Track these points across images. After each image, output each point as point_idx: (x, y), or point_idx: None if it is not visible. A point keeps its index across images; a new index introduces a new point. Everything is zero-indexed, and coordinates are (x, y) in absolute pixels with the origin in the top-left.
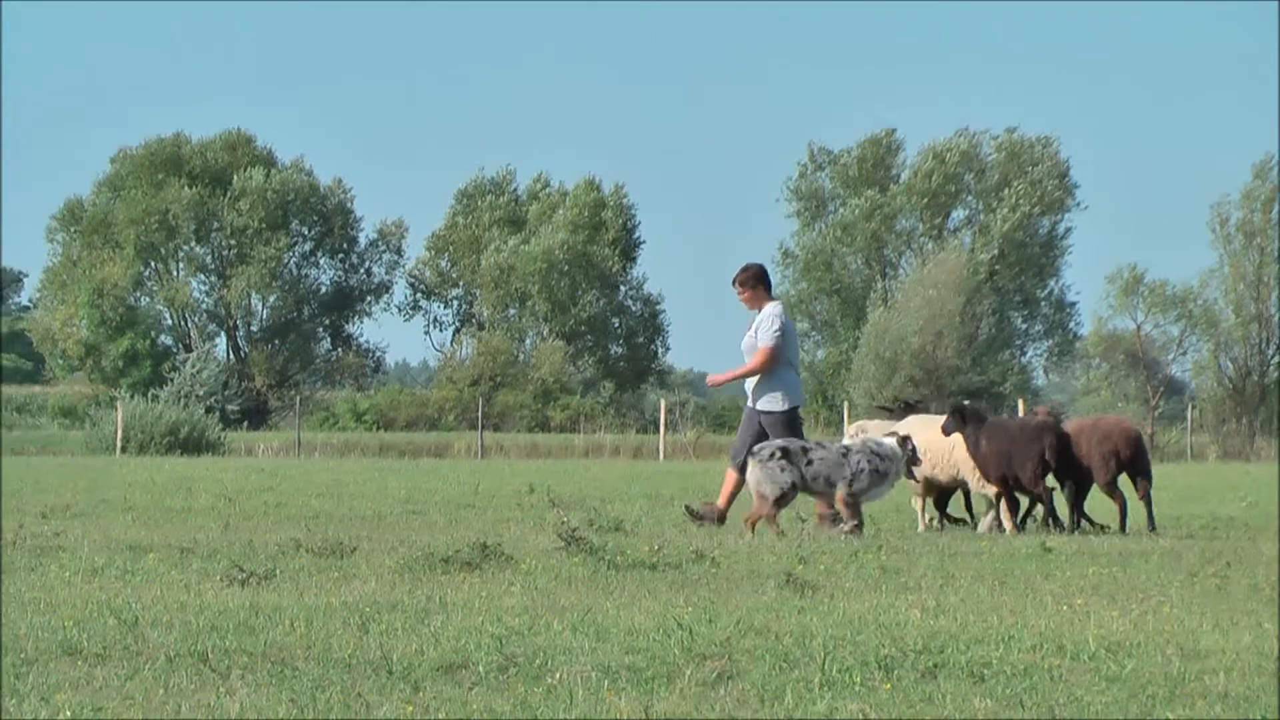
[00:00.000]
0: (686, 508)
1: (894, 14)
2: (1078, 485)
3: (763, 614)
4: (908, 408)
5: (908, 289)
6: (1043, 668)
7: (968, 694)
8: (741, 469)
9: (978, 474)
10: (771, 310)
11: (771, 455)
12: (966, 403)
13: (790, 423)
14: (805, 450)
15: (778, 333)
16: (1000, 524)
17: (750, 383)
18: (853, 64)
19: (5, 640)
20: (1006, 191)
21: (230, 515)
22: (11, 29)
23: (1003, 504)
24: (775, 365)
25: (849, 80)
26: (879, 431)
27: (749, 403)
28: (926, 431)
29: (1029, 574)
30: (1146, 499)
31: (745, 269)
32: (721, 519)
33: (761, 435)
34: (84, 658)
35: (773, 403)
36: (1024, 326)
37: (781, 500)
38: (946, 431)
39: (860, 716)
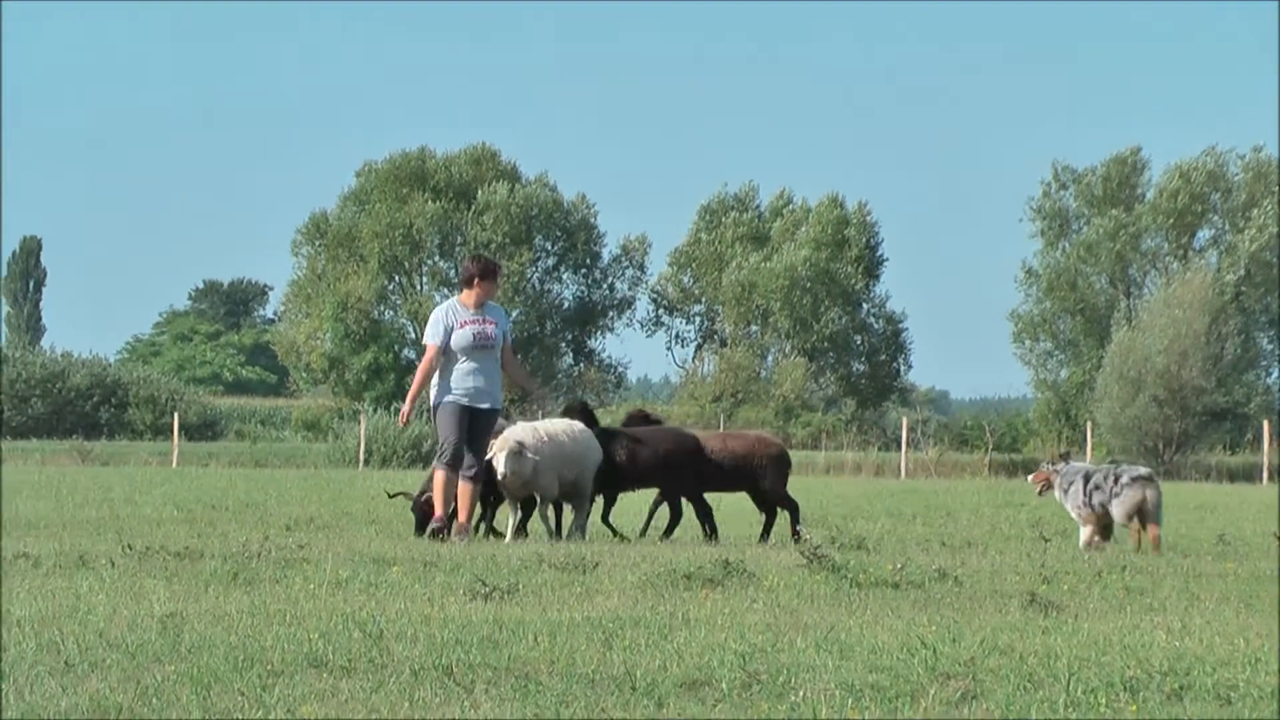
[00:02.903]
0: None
1: (1138, 33)
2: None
3: (1007, 634)
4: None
5: (1152, 309)
6: None
7: (1214, 717)
8: (476, 475)
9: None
10: (503, 311)
11: None
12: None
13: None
14: None
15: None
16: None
17: (473, 380)
18: (1097, 82)
19: (250, 651)
20: (1254, 211)
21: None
22: (261, 45)
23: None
24: None
25: (1093, 98)
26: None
27: (472, 400)
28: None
29: (1274, 596)
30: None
31: (496, 264)
32: (465, 527)
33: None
34: (329, 670)
35: (498, 402)
36: (1270, 347)
37: None
38: None
39: None
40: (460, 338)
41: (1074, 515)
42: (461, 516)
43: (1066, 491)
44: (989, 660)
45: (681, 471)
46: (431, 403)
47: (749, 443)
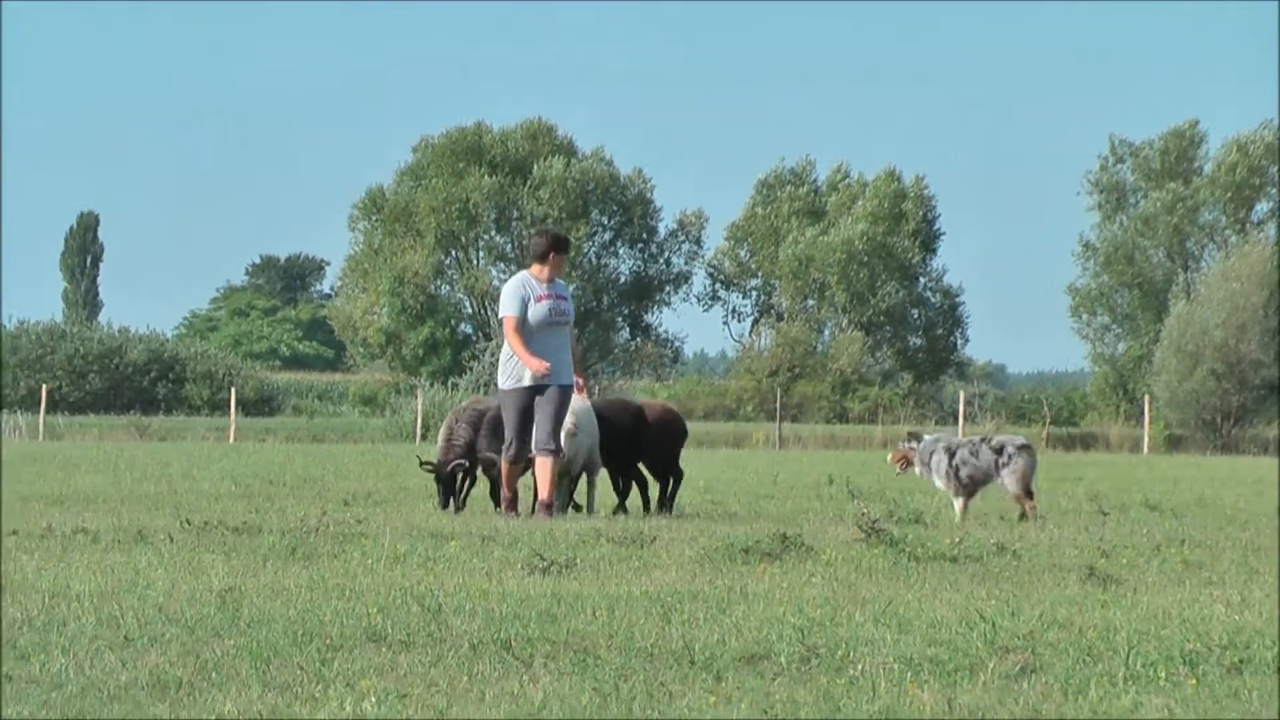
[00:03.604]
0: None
1: (1195, 4)
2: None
3: (1065, 607)
4: None
5: (1210, 282)
6: None
7: (1273, 690)
8: (557, 450)
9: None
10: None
11: None
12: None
13: None
14: None
15: None
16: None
17: (546, 359)
18: (1154, 55)
19: (309, 626)
20: None
21: (531, 504)
22: (318, 21)
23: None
24: None
25: (1150, 72)
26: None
27: (551, 379)
28: None
29: None
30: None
31: (568, 238)
32: (550, 505)
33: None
34: (388, 644)
35: (569, 377)
36: None
37: None
38: None
39: (1165, 712)
40: (537, 311)
41: (941, 488)
42: (543, 493)
43: (928, 464)
44: (1048, 634)
45: (634, 442)
46: (500, 384)
47: (661, 412)
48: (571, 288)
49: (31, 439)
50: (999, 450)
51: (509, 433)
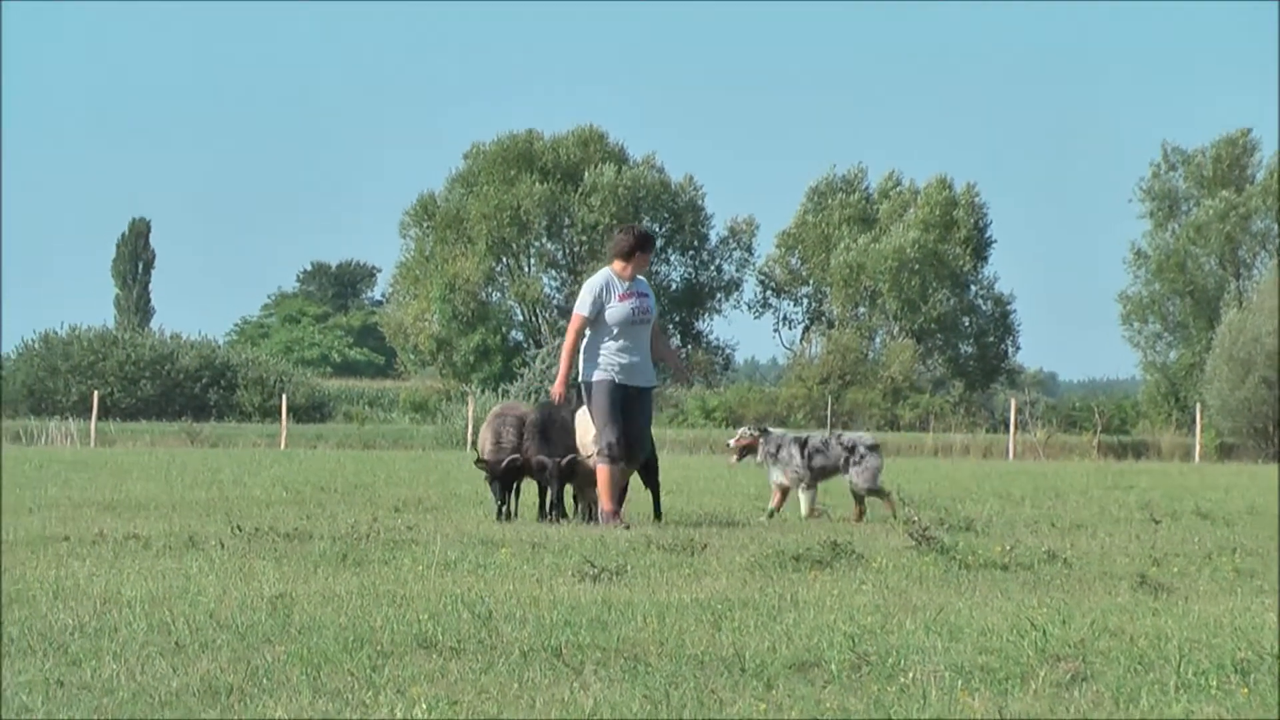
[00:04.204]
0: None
1: (1247, 12)
2: None
3: (1117, 616)
4: None
5: (1262, 290)
6: None
7: None
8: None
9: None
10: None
11: None
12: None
13: None
14: None
15: None
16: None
17: (628, 358)
18: (1207, 63)
19: (360, 632)
20: None
21: (581, 511)
22: (369, 28)
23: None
24: None
25: (1203, 79)
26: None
27: (628, 378)
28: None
29: None
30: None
31: (652, 236)
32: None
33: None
34: (439, 651)
35: (653, 379)
36: None
37: None
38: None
39: None
40: (619, 311)
41: (788, 481)
42: (607, 504)
43: (776, 456)
44: (1099, 642)
45: None
46: (582, 378)
47: None
48: None
49: (83, 445)
50: (850, 449)
51: (607, 429)
